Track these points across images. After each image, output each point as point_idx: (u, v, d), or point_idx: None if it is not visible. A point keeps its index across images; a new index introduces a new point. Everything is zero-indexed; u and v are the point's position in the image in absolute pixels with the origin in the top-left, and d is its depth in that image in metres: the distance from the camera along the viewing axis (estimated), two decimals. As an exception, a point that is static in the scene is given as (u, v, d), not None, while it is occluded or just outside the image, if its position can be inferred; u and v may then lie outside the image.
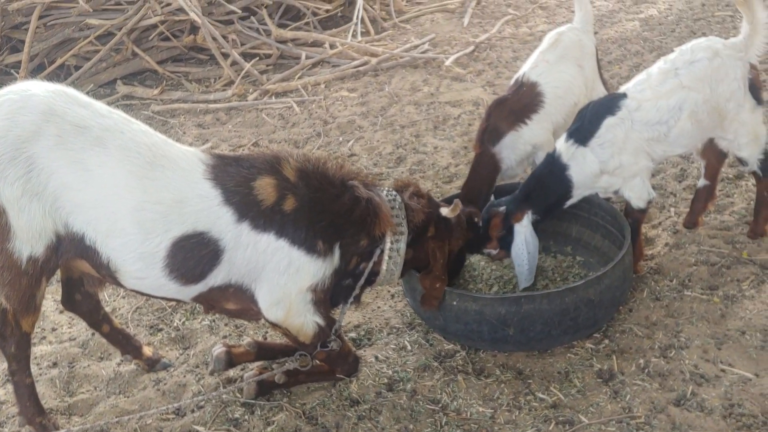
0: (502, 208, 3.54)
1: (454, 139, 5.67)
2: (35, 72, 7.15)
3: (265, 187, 2.86)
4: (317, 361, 3.22)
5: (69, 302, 3.23)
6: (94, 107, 2.78)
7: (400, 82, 6.87)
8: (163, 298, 3.10)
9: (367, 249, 3.08)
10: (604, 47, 7.20)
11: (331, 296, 3.11)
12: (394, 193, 3.18)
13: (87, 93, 6.91)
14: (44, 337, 3.81)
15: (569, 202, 3.60)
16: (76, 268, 2.98)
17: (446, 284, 3.24)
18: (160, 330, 3.79)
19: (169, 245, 2.76)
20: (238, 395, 3.21)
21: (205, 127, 6.30)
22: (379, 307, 3.79)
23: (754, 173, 3.79)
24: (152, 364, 3.46)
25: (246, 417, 3.11)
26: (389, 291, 3.88)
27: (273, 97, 6.69)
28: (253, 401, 3.17)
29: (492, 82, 6.71)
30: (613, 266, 3.23)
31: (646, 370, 3.11)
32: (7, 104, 2.68)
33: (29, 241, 2.71)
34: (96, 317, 3.30)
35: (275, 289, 2.93)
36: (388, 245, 3.08)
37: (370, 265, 3.10)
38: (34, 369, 3.51)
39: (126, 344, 3.41)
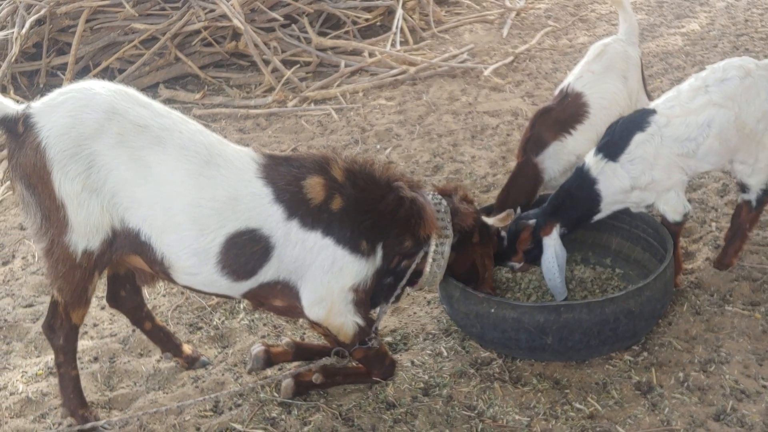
0: (532, 221, 3.54)
1: (492, 149, 5.68)
2: (80, 74, 7.30)
3: (314, 186, 2.91)
4: (354, 363, 3.25)
5: (113, 299, 3.30)
6: (154, 107, 2.86)
7: (438, 92, 6.90)
8: (214, 294, 3.15)
9: (411, 250, 3.11)
10: (646, 61, 7.14)
11: (373, 295, 3.14)
12: (439, 196, 3.21)
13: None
14: (86, 332, 3.88)
15: (597, 217, 3.59)
16: (126, 264, 3.05)
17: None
18: (200, 329, 3.85)
19: (223, 241, 2.82)
20: (276, 394, 3.25)
21: (246, 132, 6.39)
22: (415, 313, 3.80)
23: (746, 203, 3.71)
24: (191, 362, 3.52)
25: (283, 416, 3.14)
26: (425, 297, 3.89)
27: (312, 104, 6.75)
28: (290, 401, 3.20)
29: (531, 93, 6.70)
30: (654, 278, 3.21)
31: (686, 384, 3.08)
32: (71, 102, 2.76)
33: (86, 235, 2.78)
34: (139, 314, 3.36)
35: (318, 287, 2.97)
36: (432, 247, 3.12)
37: (413, 265, 3.13)
38: (77, 364, 3.61)
39: (167, 342, 3.47)
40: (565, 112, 3.94)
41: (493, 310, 3.20)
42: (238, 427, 3.09)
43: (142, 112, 2.79)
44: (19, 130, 2.75)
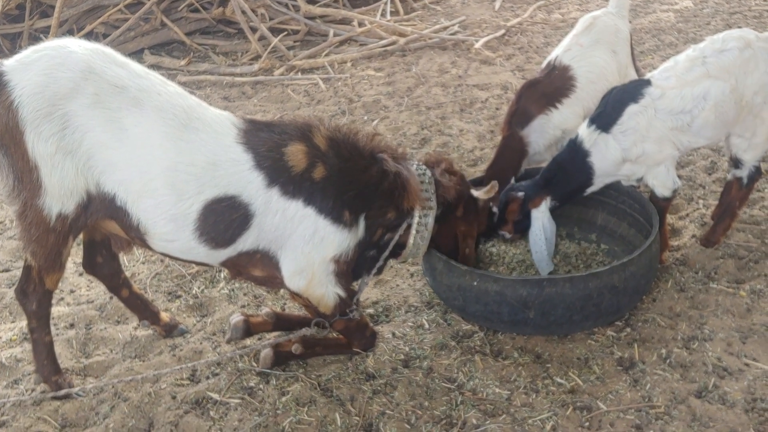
0: (521, 194, 3.49)
1: (480, 123, 5.61)
2: (64, 37, 7.16)
3: (295, 154, 2.84)
4: (335, 333, 3.20)
5: (90, 265, 3.23)
6: (131, 67, 2.77)
7: (427, 64, 6.80)
8: (190, 262, 3.09)
9: (394, 222, 3.06)
10: (638, 37, 7.08)
11: (355, 267, 3.09)
12: (424, 167, 3.15)
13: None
14: (62, 299, 3.82)
15: (590, 189, 3.55)
16: (101, 229, 2.98)
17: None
18: (179, 297, 3.79)
19: (201, 208, 2.75)
20: (254, 364, 3.20)
21: (231, 100, 6.28)
22: (397, 285, 3.75)
23: (738, 180, 3.68)
24: (169, 330, 3.46)
25: (261, 386, 3.09)
26: (408, 269, 3.85)
27: (299, 74, 6.65)
28: (268, 371, 3.16)
29: (522, 67, 6.62)
30: (639, 254, 3.17)
31: (668, 361, 3.05)
32: (46, 60, 2.66)
33: (60, 198, 2.70)
34: (116, 281, 3.29)
35: (299, 257, 2.91)
36: (416, 219, 3.06)
37: (396, 237, 3.08)
38: (52, 329, 3.53)
39: (144, 310, 3.40)
40: (552, 86, 3.87)
41: (475, 283, 3.15)
42: (215, 396, 3.04)
43: (119, 72, 2.70)
44: None
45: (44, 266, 2.84)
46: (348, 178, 2.90)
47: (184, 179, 2.70)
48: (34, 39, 7.21)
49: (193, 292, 3.80)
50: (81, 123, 2.65)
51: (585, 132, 3.47)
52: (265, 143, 2.83)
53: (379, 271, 3.20)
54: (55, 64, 2.64)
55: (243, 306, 3.65)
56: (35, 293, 2.92)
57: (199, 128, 2.75)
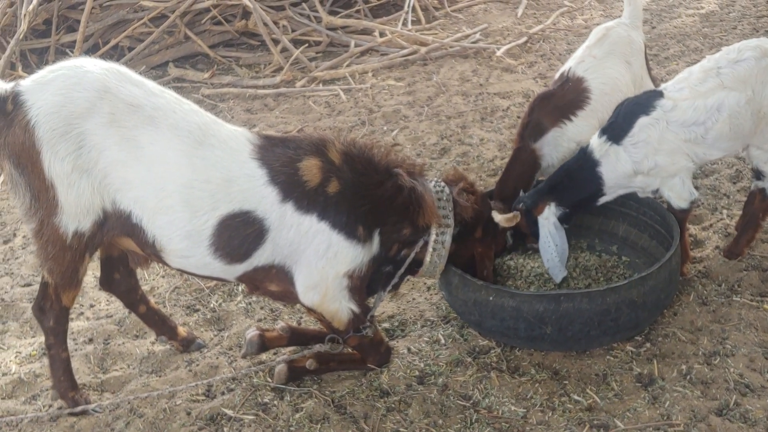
0: (521, 204, 3.45)
1: (501, 132, 5.56)
2: (89, 52, 7.25)
3: (310, 169, 2.84)
4: (349, 349, 3.19)
5: (107, 282, 3.25)
6: (147, 86, 2.80)
7: (448, 72, 6.78)
8: (207, 278, 3.10)
9: (411, 238, 3.04)
10: (662, 42, 6.99)
11: (368, 283, 3.08)
12: (442, 184, 3.13)
13: (139, 74, 7.06)
14: (82, 313, 3.85)
15: (603, 199, 3.50)
16: (118, 246, 3.00)
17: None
18: (197, 311, 3.80)
19: (216, 223, 2.76)
20: (269, 380, 3.20)
21: (253, 112, 6.31)
22: (414, 299, 3.73)
23: (760, 191, 3.59)
24: (186, 345, 3.47)
25: (275, 402, 3.08)
26: (425, 283, 3.82)
27: (320, 85, 6.66)
28: (283, 386, 3.15)
29: (544, 75, 6.57)
30: (659, 267, 3.11)
31: (688, 377, 2.99)
32: (62, 80, 2.71)
33: (76, 216, 2.74)
34: (133, 297, 3.31)
35: (313, 272, 2.91)
36: (433, 236, 3.05)
37: (412, 254, 3.06)
38: (69, 344, 3.55)
39: (161, 325, 3.42)
40: (566, 98, 3.82)
41: (491, 298, 3.12)
42: (229, 412, 3.04)
43: (134, 91, 2.73)
44: (8, 108, 2.69)
45: (61, 283, 2.87)
46: (362, 192, 2.89)
47: (199, 196, 2.72)
48: (61, 54, 7.32)
49: (211, 305, 3.81)
50: (97, 142, 2.68)
51: (596, 142, 3.43)
52: (280, 158, 2.83)
53: (395, 288, 3.18)
54: (71, 83, 2.68)
55: (260, 320, 3.66)
56: (52, 310, 2.95)
57: (214, 145, 2.77)
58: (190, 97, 6.67)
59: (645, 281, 3.07)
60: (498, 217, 3.22)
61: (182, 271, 3.03)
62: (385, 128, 5.77)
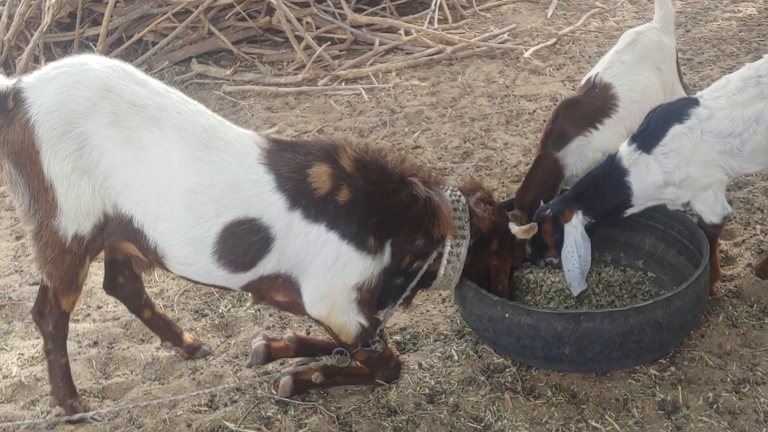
0: (549, 211, 3.29)
1: (526, 136, 5.39)
2: (113, 46, 7.22)
3: (320, 176, 2.72)
4: (357, 363, 3.06)
5: (111, 285, 3.16)
6: (151, 86, 2.70)
7: (474, 73, 6.61)
8: (211, 285, 2.99)
9: (424, 249, 2.91)
10: (697, 46, 6.76)
11: (379, 295, 2.95)
12: (458, 193, 2.99)
13: (162, 70, 7.01)
14: (88, 314, 3.77)
15: (630, 211, 3.32)
16: (122, 250, 2.91)
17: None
18: (205, 315, 3.70)
19: (220, 230, 2.66)
20: (274, 392, 3.08)
21: (274, 110, 6.21)
22: (428, 311, 3.58)
23: None
24: (192, 352, 3.37)
25: (278, 417, 2.97)
26: (440, 295, 3.67)
27: (343, 84, 6.54)
28: (287, 399, 3.03)
29: (572, 77, 6.37)
30: (686, 287, 2.94)
31: (715, 406, 2.81)
32: (64, 77, 2.61)
33: (76, 219, 2.65)
34: (138, 302, 3.21)
35: (320, 283, 2.79)
36: (447, 248, 2.91)
37: (425, 266, 2.93)
38: (74, 346, 3.51)
39: (166, 331, 3.32)
40: (592, 105, 3.64)
41: (507, 315, 2.96)
42: (231, 425, 2.93)
43: (138, 91, 2.63)
44: (9, 105, 2.60)
45: (60, 288, 2.78)
46: (374, 202, 2.76)
47: (203, 201, 2.61)
48: (85, 47, 7.28)
49: (220, 311, 3.71)
50: (98, 142, 2.58)
51: (625, 150, 3.26)
52: (289, 164, 2.71)
53: (406, 301, 3.04)
54: (72, 81, 2.59)
55: (268, 327, 3.54)
56: (51, 314, 2.86)
57: (220, 148, 2.66)
58: (211, 94, 6.64)
59: (671, 302, 2.90)
60: (515, 228, 3.06)
61: (185, 279, 2.92)
62: (406, 129, 5.63)
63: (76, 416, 2.96)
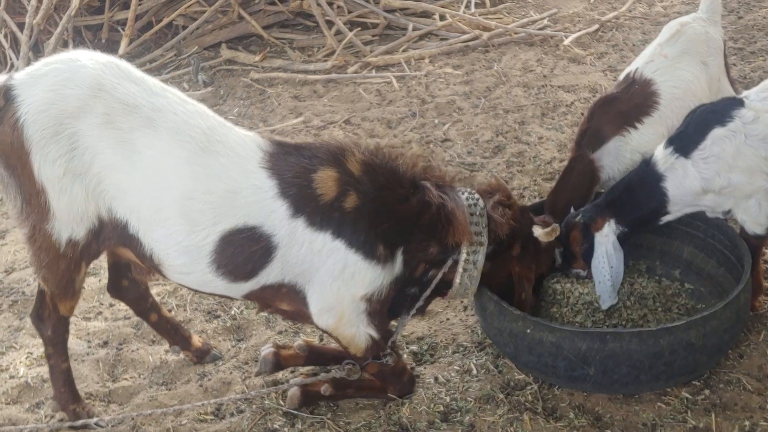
0: (579, 218, 3.08)
1: (562, 129, 5.15)
2: (142, 30, 7.12)
3: (325, 181, 2.56)
4: (368, 375, 2.91)
5: (115, 289, 3.06)
6: (147, 84, 2.56)
7: (511, 61, 6.36)
8: (212, 294, 2.87)
9: (438, 257, 2.73)
10: (749, 35, 6.39)
11: (391, 305, 2.79)
12: (476, 196, 2.80)
13: (191, 55, 6.89)
14: (100, 313, 3.68)
15: (666, 218, 3.09)
16: (120, 255, 2.80)
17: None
18: (217, 317, 3.58)
19: (217, 239, 2.52)
20: (282, 403, 2.95)
21: (301, 99, 6.05)
22: (447, 319, 3.41)
23: None
24: (201, 356, 3.26)
25: (285, 430, 2.85)
26: (462, 302, 3.48)
27: (373, 71, 6.34)
28: (295, 411, 2.90)
29: (614, 67, 6.07)
30: (724, 306, 2.71)
31: (752, 437, 2.60)
32: (53, 75, 2.49)
33: (69, 223, 2.54)
34: (143, 305, 3.11)
35: (327, 293, 2.64)
36: (463, 256, 2.72)
37: (440, 274, 2.76)
38: (83, 346, 3.43)
39: (174, 335, 3.21)
40: (630, 102, 3.40)
41: (528, 331, 2.78)
42: (235, 438, 2.82)
43: (132, 90, 2.49)
44: (0, 103, 2.49)
45: (57, 293, 2.69)
46: (383, 208, 2.60)
47: (200, 209, 2.47)
48: (114, 31, 7.21)
49: (232, 313, 3.59)
50: (90, 144, 2.45)
51: (661, 153, 3.03)
52: (293, 168, 2.56)
53: (420, 311, 2.88)
54: (63, 79, 2.46)
55: (281, 332, 3.41)
56: (50, 319, 2.78)
57: (219, 152, 2.51)
58: (238, 81, 6.50)
59: (706, 321, 2.68)
60: (537, 231, 2.86)
61: (185, 287, 2.80)
62: (436, 121, 5.42)
63: (79, 422, 2.89)
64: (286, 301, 2.72)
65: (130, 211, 2.51)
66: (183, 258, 2.53)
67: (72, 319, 3.59)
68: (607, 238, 3.05)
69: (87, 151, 2.45)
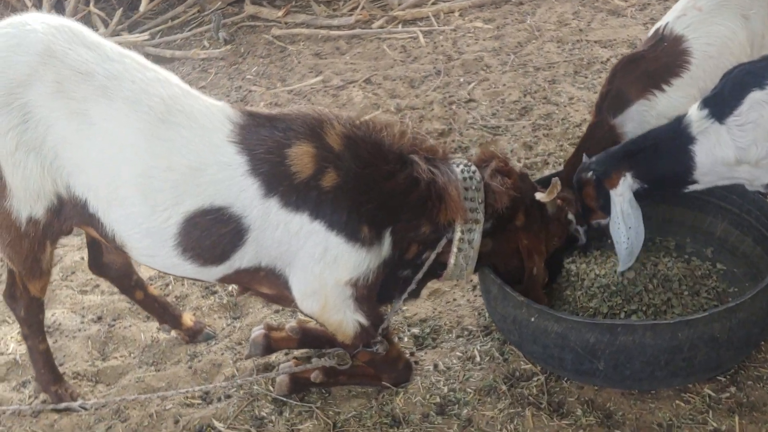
0: (591, 174, 2.77)
1: (595, 89, 4.78)
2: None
3: (300, 157, 2.33)
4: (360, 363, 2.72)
5: (96, 266, 2.91)
6: (103, 49, 2.34)
7: (546, 14, 5.96)
8: (184, 278, 2.69)
9: (432, 236, 2.49)
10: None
11: (382, 289, 2.57)
12: (473, 168, 2.53)
13: (215, 11, 6.66)
14: (97, 286, 3.56)
15: (693, 188, 2.75)
16: (88, 233, 2.63)
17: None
18: (215, 293, 3.42)
19: (181, 221, 2.32)
20: (271, 389, 2.78)
21: (322, 56, 5.79)
22: (454, 299, 3.18)
23: None
24: (193, 335, 3.11)
25: (272, 418, 2.68)
26: (471, 281, 3.24)
27: (399, 26, 6.02)
28: (284, 398, 2.73)
29: (657, 20, 5.62)
30: (752, 296, 2.42)
31: (780, 444, 2.33)
32: (3, 40, 2.31)
33: (27, 201, 2.37)
34: (127, 283, 2.96)
35: (309, 278, 2.43)
36: (458, 235, 2.47)
37: (433, 255, 2.52)
38: (77, 320, 3.33)
39: (163, 313, 3.06)
40: (658, 62, 3.04)
41: (533, 319, 2.53)
42: (219, 425, 2.67)
43: (85, 56, 2.29)
44: None
45: (23, 273, 2.55)
46: (367, 186, 2.36)
47: (159, 187, 2.27)
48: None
49: (230, 289, 3.41)
50: (43, 115, 2.27)
51: (695, 115, 2.67)
52: (265, 143, 2.32)
53: (414, 294, 2.65)
54: (11, 45, 2.28)
55: (278, 311, 3.23)
56: (22, 299, 2.65)
57: (181, 123, 2.29)
58: (260, 38, 6.26)
59: (732, 314, 2.39)
60: (538, 195, 2.59)
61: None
62: (461, 80, 5.11)
63: (62, 405, 2.76)
64: (266, 285, 2.52)
65: (88, 189, 2.33)
66: (146, 240, 2.35)
67: (68, 292, 3.54)
68: (622, 197, 2.73)
69: (40, 123, 2.27)
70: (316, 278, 2.42)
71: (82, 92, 2.25)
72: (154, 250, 2.36)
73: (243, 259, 2.39)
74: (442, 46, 5.63)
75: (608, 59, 5.13)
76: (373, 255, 2.41)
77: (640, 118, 3.05)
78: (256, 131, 2.34)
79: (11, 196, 2.35)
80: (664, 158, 2.73)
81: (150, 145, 2.26)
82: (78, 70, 2.26)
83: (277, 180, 2.30)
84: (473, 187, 2.48)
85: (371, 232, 2.38)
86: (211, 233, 2.31)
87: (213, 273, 2.44)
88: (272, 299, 2.66)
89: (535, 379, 2.68)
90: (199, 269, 2.41)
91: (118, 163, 2.27)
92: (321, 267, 2.40)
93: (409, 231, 2.45)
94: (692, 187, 2.78)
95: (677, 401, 2.52)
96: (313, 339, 2.91)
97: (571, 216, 2.90)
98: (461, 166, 2.51)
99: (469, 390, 2.67)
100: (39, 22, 2.32)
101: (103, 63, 2.28)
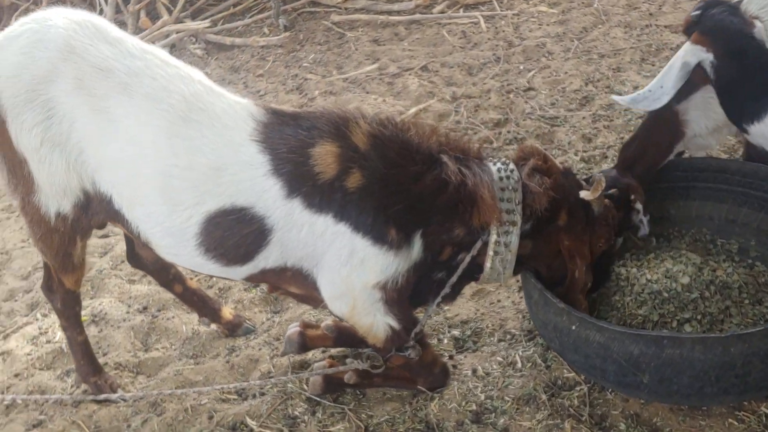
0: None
1: (663, 77, 4.53)
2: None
3: (324, 157, 2.25)
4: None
5: (134, 258, 2.92)
6: (124, 45, 2.31)
7: (615, -3, 5.70)
8: (212, 276, 2.66)
9: (466, 238, 2.38)
10: None
11: (416, 292, 2.48)
12: (511, 167, 2.40)
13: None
14: (145, 276, 3.58)
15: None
16: (120, 228, 2.63)
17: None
18: (257, 286, 3.40)
19: (202, 221, 2.28)
20: (305, 387, 2.74)
21: (380, 43, 5.70)
22: (498, 301, 3.06)
23: None
24: (233, 329, 3.10)
25: (305, 417, 2.64)
26: (518, 281, 3.11)
27: (461, 10, 5.87)
28: (318, 398, 2.68)
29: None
30: (817, 311, 2.22)
31: (843, 473, 2.13)
32: (26, 36, 2.31)
33: (54, 196, 2.39)
34: (165, 276, 2.96)
35: (337, 280, 2.36)
36: (493, 237, 2.36)
37: (468, 258, 2.41)
38: (123, 310, 3.38)
39: (202, 306, 3.06)
40: None
41: (574, 328, 2.39)
42: (252, 423, 2.65)
43: (105, 52, 2.26)
44: None
45: (57, 267, 2.58)
46: (394, 188, 2.26)
47: (179, 186, 2.23)
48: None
49: (272, 281, 3.39)
50: (66, 111, 2.27)
51: None
52: (288, 142, 2.26)
53: (449, 298, 2.54)
54: (34, 40, 2.27)
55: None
56: (58, 291, 2.68)
57: (202, 122, 2.24)
58: (319, 24, 6.21)
59: (794, 329, 2.20)
60: (582, 194, 2.44)
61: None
62: (521, 67, 4.93)
63: (102, 396, 2.78)
64: (294, 285, 2.47)
65: (112, 186, 2.33)
66: (167, 239, 2.33)
67: (117, 281, 3.59)
68: (684, 52, 2.54)
69: (64, 119, 2.26)
70: (344, 281, 2.35)
71: (103, 89, 2.23)
72: (176, 249, 2.34)
73: (268, 259, 2.34)
74: (503, 31, 5.45)
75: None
76: (402, 258, 2.32)
77: (705, 104, 2.83)
78: (279, 130, 2.27)
79: (39, 192, 2.37)
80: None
81: (170, 144, 2.22)
82: (98, 66, 2.24)
83: (300, 180, 2.23)
84: (510, 187, 2.35)
85: (399, 234, 2.29)
86: (234, 233, 2.27)
87: (239, 272, 2.40)
88: (302, 299, 2.61)
89: (577, 389, 2.55)
90: (224, 269, 2.38)
91: (139, 162, 2.24)
92: (348, 270, 2.32)
93: (441, 234, 2.35)
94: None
95: (730, 419, 2.36)
96: (349, 338, 2.85)
97: (639, 205, 2.75)
98: (498, 165, 2.39)
99: (507, 398, 2.56)
100: (61, 17, 2.31)
101: (124, 59, 2.26)
